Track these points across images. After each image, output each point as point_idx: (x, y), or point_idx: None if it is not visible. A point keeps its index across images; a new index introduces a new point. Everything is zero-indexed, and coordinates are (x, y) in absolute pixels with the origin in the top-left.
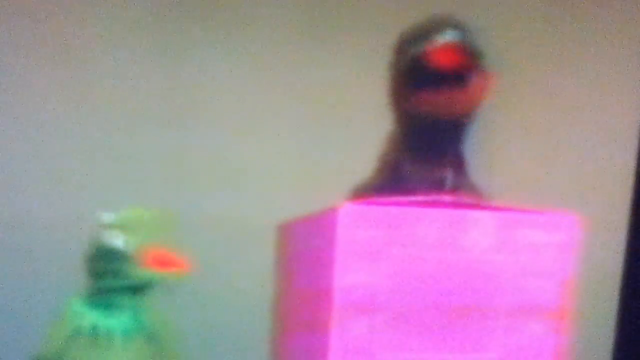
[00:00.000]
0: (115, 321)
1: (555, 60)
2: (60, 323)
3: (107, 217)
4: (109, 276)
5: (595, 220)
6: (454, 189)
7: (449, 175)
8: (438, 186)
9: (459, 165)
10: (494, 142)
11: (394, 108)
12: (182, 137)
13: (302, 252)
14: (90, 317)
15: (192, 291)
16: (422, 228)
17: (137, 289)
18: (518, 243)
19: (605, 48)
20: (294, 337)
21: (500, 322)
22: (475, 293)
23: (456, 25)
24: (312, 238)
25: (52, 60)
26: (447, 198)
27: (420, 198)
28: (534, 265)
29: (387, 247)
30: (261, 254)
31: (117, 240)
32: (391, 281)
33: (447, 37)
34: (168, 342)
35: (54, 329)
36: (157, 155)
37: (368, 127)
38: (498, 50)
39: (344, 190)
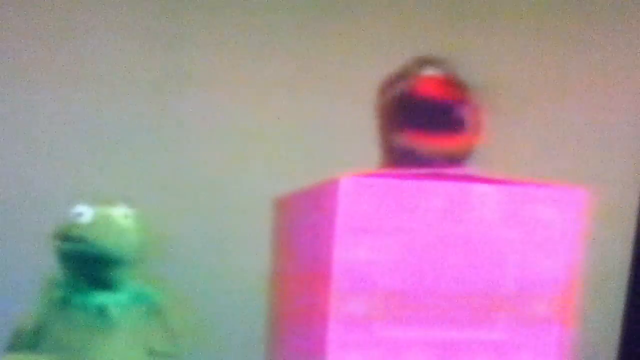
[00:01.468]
0: (110, 297)
1: (562, 42)
2: (40, 298)
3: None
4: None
5: (604, 195)
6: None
7: None
8: None
9: None
10: (499, 115)
11: (384, 148)
12: (178, 108)
13: (301, 226)
14: (77, 292)
15: (187, 265)
16: (425, 201)
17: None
18: (525, 218)
19: (611, 27)
20: (292, 313)
21: (505, 300)
22: (480, 270)
23: (439, 62)
24: (311, 212)
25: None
26: (451, 171)
27: (424, 170)
28: (540, 240)
29: (389, 221)
30: (258, 228)
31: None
32: (393, 257)
33: (430, 72)
34: (171, 314)
35: (39, 303)
36: (154, 127)
37: (368, 98)
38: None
39: (344, 162)
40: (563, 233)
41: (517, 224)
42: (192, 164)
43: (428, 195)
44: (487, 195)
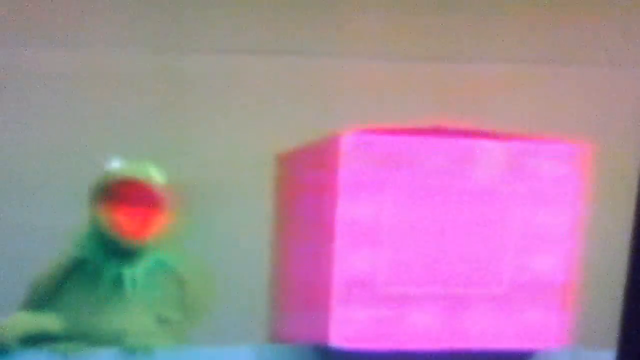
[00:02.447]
0: (130, 263)
1: None
2: (59, 257)
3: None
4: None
5: (607, 150)
6: None
7: None
8: None
9: None
10: (501, 70)
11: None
12: (182, 67)
13: (304, 182)
14: (94, 255)
15: (192, 217)
16: (428, 158)
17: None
18: (527, 172)
19: None
20: (295, 269)
21: (508, 255)
22: (483, 224)
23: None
24: (313, 168)
25: None
26: (455, 127)
27: (426, 127)
28: (543, 194)
29: (392, 178)
30: (261, 184)
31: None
32: (395, 212)
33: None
34: (189, 286)
35: (52, 263)
36: (155, 84)
37: (368, 54)
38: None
39: (346, 119)
40: (566, 187)
41: (520, 179)
42: (197, 121)
43: (431, 151)
44: (490, 151)
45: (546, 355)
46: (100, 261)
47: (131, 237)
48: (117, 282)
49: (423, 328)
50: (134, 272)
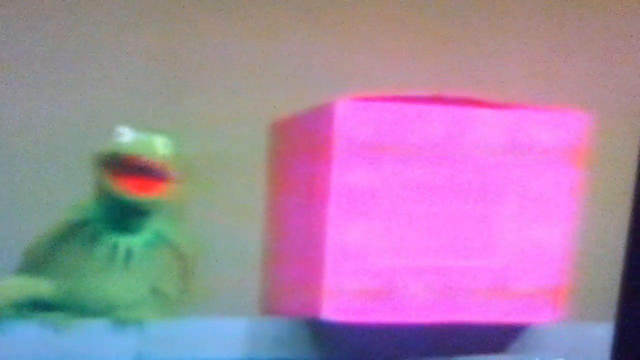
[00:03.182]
0: (130, 234)
1: None
2: (58, 225)
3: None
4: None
5: (607, 120)
6: None
7: None
8: None
9: None
10: (499, 39)
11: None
12: (175, 33)
13: (298, 150)
14: (95, 224)
15: (183, 189)
16: (425, 126)
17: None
18: (526, 142)
19: None
20: (288, 241)
21: (507, 226)
22: (482, 195)
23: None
24: (307, 135)
25: None
26: (452, 95)
27: (424, 94)
28: (542, 164)
29: (387, 146)
30: (255, 152)
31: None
32: (391, 182)
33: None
34: (188, 260)
35: (56, 228)
36: (150, 50)
37: (366, 19)
38: None
39: (342, 85)
40: (565, 157)
41: (518, 149)
42: (188, 87)
43: (428, 119)
44: (488, 119)
45: (541, 329)
46: (99, 227)
47: (135, 196)
48: (113, 251)
49: (417, 301)
50: (131, 242)
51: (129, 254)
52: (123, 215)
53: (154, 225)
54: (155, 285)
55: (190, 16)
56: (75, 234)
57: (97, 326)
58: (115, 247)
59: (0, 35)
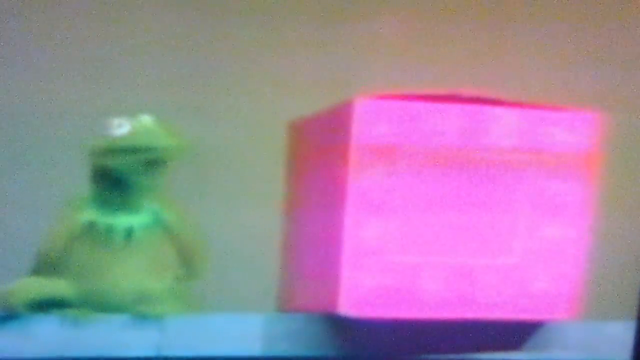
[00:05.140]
0: (127, 220)
1: None
2: (64, 221)
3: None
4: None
5: (623, 120)
6: None
7: None
8: None
9: None
10: (509, 38)
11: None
12: (194, 29)
13: (315, 150)
14: (99, 216)
15: (201, 190)
16: (442, 124)
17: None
18: (540, 141)
19: None
20: (306, 237)
21: (521, 225)
22: (497, 194)
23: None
24: (325, 135)
25: None
26: (468, 93)
27: (439, 93)
28: (556, 164)
29: (404, 144)
30: (273, 152)
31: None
32: (408, 180)
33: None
34: (190, 246)
35: (57, 227)
36: (169, 41)
37: (383, 19)
38: None
39: (359, 86)
40: (580, 156)
41: (533, 147)
42: (206, 85)
43: (444, 117)
44: (502, 118)
45: (557, 327)
46: (98, 215)
47: (134, 175)
48: (112, 232)
49: (433, 297)
50: (130, 222)
51: (128, 233)
52: (121, 196)
53: (152, 207)
54: (163, 268)
55: (212, 9)
56: (83, 230)
57: (115, 321)
58: (113, 228)
59: (6, 19)
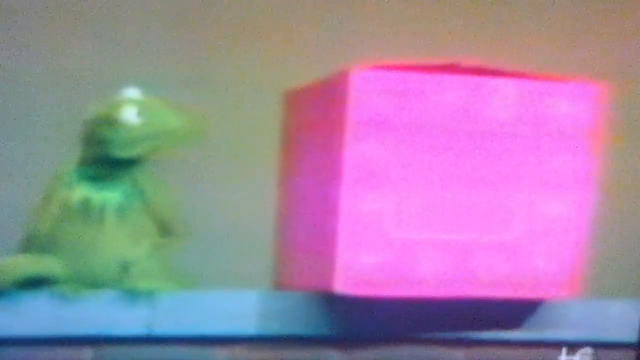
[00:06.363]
0: (111, 193)
1: None
2: (51, 196)
3: (130, 93)
4: (111, 145)
5: (625, 91)
6: None
7: None
8: None
9: None
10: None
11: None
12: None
13: (311, 120)
14: (84, 190)
15: (195, 164)
16: (440, 95)
17: (136, 161)
18: (541, 113)
19: None
20: (301, 213)
21: (521, 200)
22: (495, 168)
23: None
24: (321, 105)
25: None
26: (467, 64)
27: (437, 63)
28: (557, 136)
29: (401, 115)
30: (269, 121)
31: (131, 115)
32: (404, 153)
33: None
34: (167, 214)
35: (44, 203)
36: (170, 14)
37: None
38: None
39: (355, 55)
40: (581, 129)
41: (532, 120)
42: (201, 56)
43: (442, 88)
44: (502, 90)
45: (560, 306)
46: (95, 191)
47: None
48: (108, 211)
49: (430, 275)
50: (121, 199)
51: (120, 207)
52: (114, 172)
53: (128, 182)
54: (143, 240)
55: None
56: (67, 205)
57: (105, 296)
58: (105, 203)
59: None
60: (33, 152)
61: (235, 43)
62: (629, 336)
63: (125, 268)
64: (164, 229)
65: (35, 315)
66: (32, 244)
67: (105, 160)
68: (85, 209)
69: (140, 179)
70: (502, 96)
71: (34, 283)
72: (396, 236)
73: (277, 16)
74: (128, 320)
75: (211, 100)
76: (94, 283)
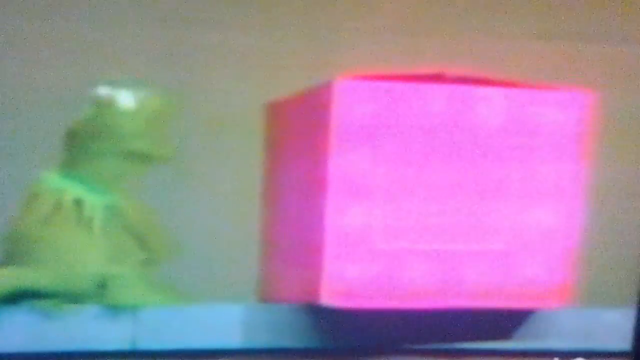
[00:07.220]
0: (98, 195)
1: None
2: (36, 197)
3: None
4: (102, 140)
5: (613, 99)
6: None
7: None
8: None
9: None
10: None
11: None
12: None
13: (295, 131)
14: (72, 191)
15: (178, 173)
16: (425, 105)
17: (125, 159)
18: (528, 122)
19: None
20: (286, 225)
21: (510, 209)
22: (483, 177)
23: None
24: (304, 116)
25: None
26: (453, 73)
27: (423, 73)
28: (544, 145)
29: (386, 126)
30: (250, 134)
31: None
32: (390, 164)
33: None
34: (148, 230)
35: (28, 205)
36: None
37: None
38: None
39: (339, 66)
40: (569, 137)
41: (520, 129)
42: (185, 70)
43: (428, 98)
44: (489, 98)
45: (552, 315)
46: (87, 194)
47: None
48: (96, 215)
49: (418, 286)
50: (91, 200)
51: (110, 211)
52: (100, 177)
53: (109, 192)
54: (125, 250)
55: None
56: (51, 214)
57: (88, 311)
58: (95, 206)
59: None
60: (15, 155)
61: (216, 52)
62: (621, 345)
63: (103, 283)
64: (145, 245)
65: (14, 331)
66: (14, 248)
67: (117, 156)
68: (78, 211)
69: (121, 195)
70: (490, 105)
71: (14, 298)
72: (383, 247)
73: (260, 24)
74: (111, 335)
75: (193, 110)
76: (72, 292)
